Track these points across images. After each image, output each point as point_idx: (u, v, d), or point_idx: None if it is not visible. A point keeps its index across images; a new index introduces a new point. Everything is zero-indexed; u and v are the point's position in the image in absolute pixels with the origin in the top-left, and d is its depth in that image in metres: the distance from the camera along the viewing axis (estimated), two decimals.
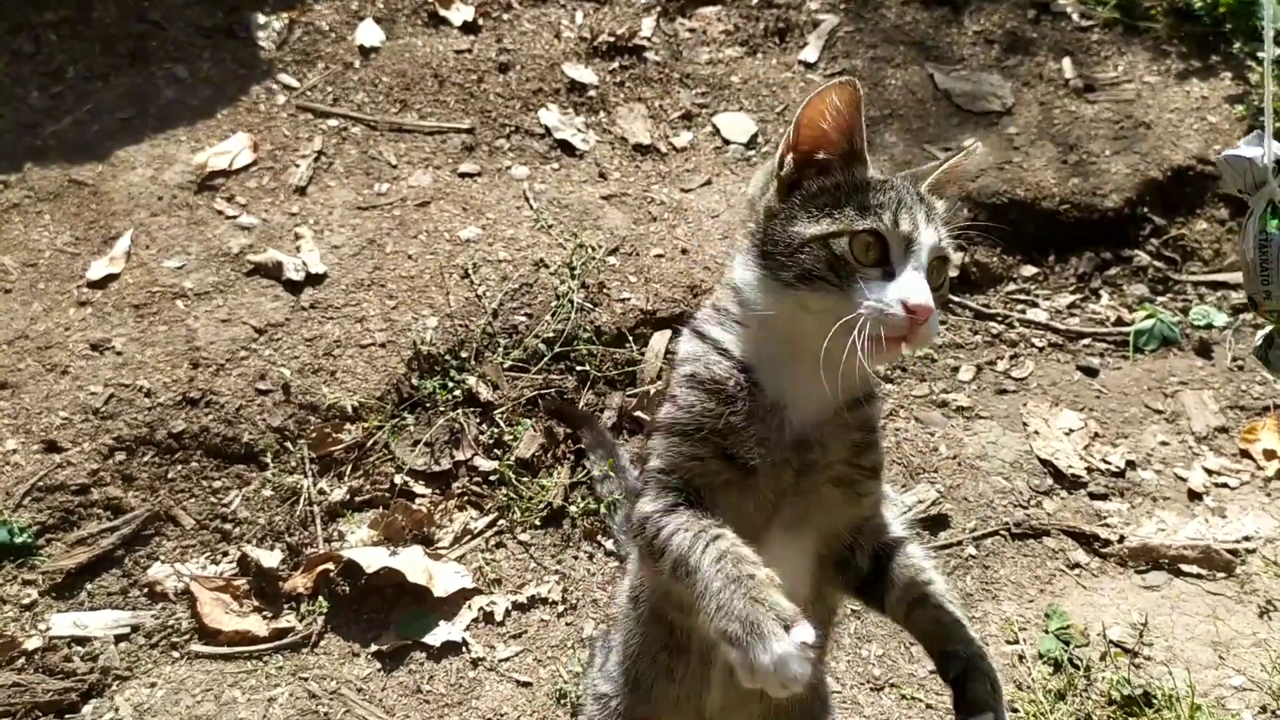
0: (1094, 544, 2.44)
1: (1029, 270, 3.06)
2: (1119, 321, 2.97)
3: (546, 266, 2.75)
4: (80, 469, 2.33)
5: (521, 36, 3.35)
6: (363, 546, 2.30)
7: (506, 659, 2.18)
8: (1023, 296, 3.01)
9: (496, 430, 2.49)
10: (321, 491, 2.39)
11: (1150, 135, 3.20)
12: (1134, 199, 3.10)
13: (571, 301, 2.67)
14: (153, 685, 2.11)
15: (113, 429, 2.38)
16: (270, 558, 2.26)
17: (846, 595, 1.46)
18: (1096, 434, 2.68)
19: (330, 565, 2.25)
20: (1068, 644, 2.21)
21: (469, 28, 3.34)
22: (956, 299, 2.95)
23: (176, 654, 2.17)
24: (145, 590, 2.24)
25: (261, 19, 3.27)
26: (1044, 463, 2.59)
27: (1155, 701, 2.08)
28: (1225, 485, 2.57)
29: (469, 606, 2.25)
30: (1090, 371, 2.84)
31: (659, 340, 2.70)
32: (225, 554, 2.31)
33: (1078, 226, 3.08)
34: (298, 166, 2.93)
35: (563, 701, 2.10)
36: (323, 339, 2.57)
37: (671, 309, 2.74)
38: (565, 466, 2.47)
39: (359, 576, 2.23)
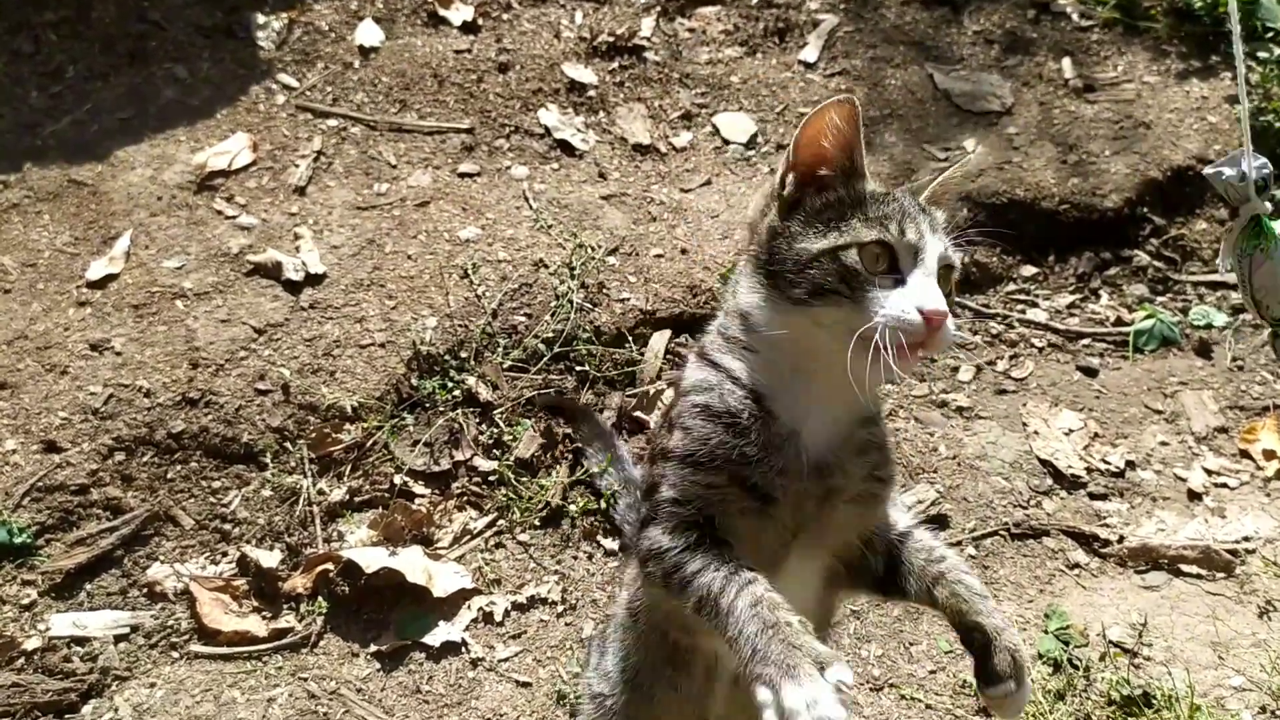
0: (1093, 544, 2.44)
1: (1029, 270, 3.06)
2: (1119, 321, 2.97)
3: (546, 266, 2.75)
4: (80, 469, 2.33)
5: (521, 36, 3.35)
6: (362, 547, 2.30)
7: (506, 659, 2.18)
8: (1022, 296, 3.01)
9: (496, 430, 2.49)
10: (321, 492, 2.39)
11: (1150, 135, 3.20)
12: (1134, 199, 3.10)
13: (571, 302, 2.67)
14: (152, 685, 2.11)
15: (112, 429, 2.38)
16: (270, 558, 2.26)
17: (864, 593, 1.49)
18: (1096, 434, 2.68)
19: (330, 565, 2.25)
20: (1067, 644, 2.21)
21: (468, 28, 3.34)
22: (956, 299, 2.95)
23: (176, 654, 2.17)
24: (145, 590, 2.24)
25: (261, 19, 3.27)
26: (1043, 463, 2.59)
27: (1155, 702, 2.08)
28: (1225, 485, 2.57)
29: (468, 607, 2.25)
30: (1090, 371, 2.84)
31: (658, 340, 2.70)
32: (225, 554, 2.31)
33: (1077, 226, 3.08)
34: (297, 166, 2.93)
35: (562, 702, 2.10)
36: (322, 339, 2.57)
37: (671, 309, 2.74)
38: (564, 466, 2.47)
39: (358, 577, 2.23)
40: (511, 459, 2.44)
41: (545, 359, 2.60)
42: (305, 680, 2.12)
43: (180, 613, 2.21)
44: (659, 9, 3.48)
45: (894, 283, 1.23)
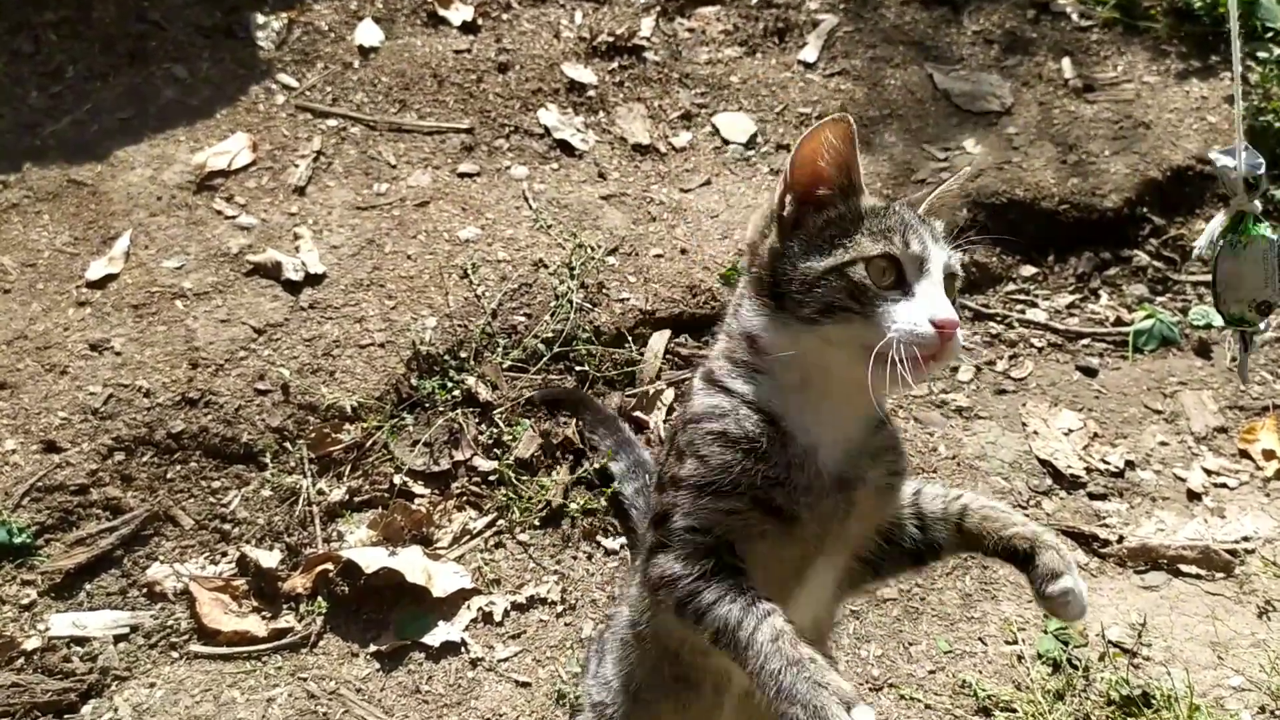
0: (1093, 544, 2.44)
1: (1028, 270, 3.06)
2: (1118, 321, 2.97)
3: (546, 266, 2.75)
4: (79, 469, 2.33)
5: (521, 36, 3.35)
6: (362, 547, 2.30)
7: (505, 659, 2.18)
8: (1022, 297, 3.01)
9: (496, 430, 2.49)
10: (320, 491, 2.39)
11: (1150, 135, 3.20)
12: (1133, 199, 3.10)
13: (570, 302, 2.67)
14: (152, 685, 2.11)
15: (112, 429, 2.38)
16: (269, 558, 2.27)
17: (898, 575, 1.49)
18: (1095, 434, 2.68)
19: (329, 565, 2.25)
20: (1066, 644, 2.21)
21: (468, 28, 3.34)
22: (957, 301, 2.95)
23: (175, 654, 2.17)
24: (144, 590, 2.24)
25: (261, 19, 3.27)
26: (1043, 463, 2.59)
27: (1154, 702, 2.08)
28: (1224, 485, 2.57)
29: (468, 607, 2.25)
30: (1089, 371, 2.84)
31: (658, 340, 2.70)
32: (224, 554, 2.31)
33: (1077, 226, 3.08)
34: (297, 166, 2.93)
35: (561, 702, 2.10)
36: (322, 339, 2.57)
37: (671, 309, 2.75)
38: (565, 466, 2.47)
39: (358, 577, 2.23)
40: (511, 459, 2.44)
41: (545, 359, 2.60)
42: (305, 680, 2.12)
43: (180, 613, 2.21)
44: (659, 9, 3.48)
45: (902, 295, 1.24)
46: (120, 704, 2.07)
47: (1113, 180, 3.11)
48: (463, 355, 2.58)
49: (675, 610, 1.29)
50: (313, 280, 2.67)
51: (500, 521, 2.40)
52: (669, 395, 2.63)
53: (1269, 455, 2.62)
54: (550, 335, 2.62)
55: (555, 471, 2.46)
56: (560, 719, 2.09)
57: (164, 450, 2.40)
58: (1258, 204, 1.13)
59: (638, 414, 2.56)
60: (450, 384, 2.54)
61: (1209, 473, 2.60)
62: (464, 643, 2.20)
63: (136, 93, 3.06)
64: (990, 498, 1.41)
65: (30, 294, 2.61)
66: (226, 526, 2.35)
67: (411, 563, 2.24)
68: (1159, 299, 3.02)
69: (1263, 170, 1.15)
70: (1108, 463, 2.60)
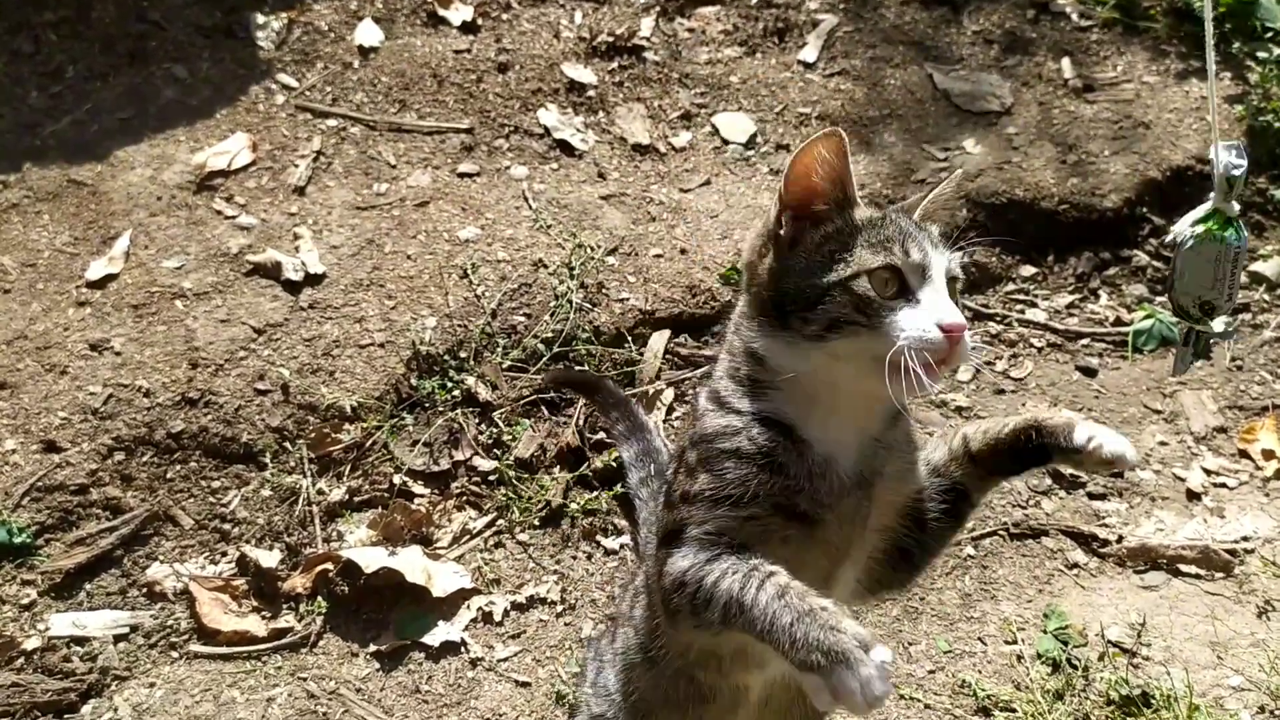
0: (1092, 544, 2.44)
1: (1028, 270, 3.06)
2: (1118, 321, 2.97)
3: (545, 266, 2.75)
4: (79, 469, 2.33)
5: (520, 36, 3.35)
6: (361, 546, 2.30)
7: (505, 659, 2.18)
8: (1021, 296, 3.01)
9: (495, 430, 2.49)
10: (320, 491, 2.39)
11: (1149, 135, 3.20)
12: (1133, 199, 3.10)
13: (570, 301, 2.67)
14: (151, 685, 2.11)
15: (112, 429, 2.38)
16: (269, 558, 2.27)
17: (947, 536, 1.44)
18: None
19: (329, 565, 2.25)
20: (1066, 644, 2.21)
21: (468, 27, 3.34)
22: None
23: (175, 654, 2.17)
24: (144, 590, 2.25)
25: (260, 19, 3.27)
26: None
27: (1153, 701, 2.08)
28: (1224, 485, 2.57)
29: (468, 606, 2.26)
30: (1089, 371, 2.84)
31: (658, 340, 2.70)
32: (224, 554, 2.32)
33: (1077, 226, 3.08)
34: (297, 166, 2.93)
35: (561, 702, 2.10)
36: (321, 339, 2.57)
37: (670, 309, 2.75)
38: (564, 466, 2.47)
39: (358, 576, 2.23)
40: (511, 459, 2.44)
41: (545, 359, 2.60)
42: (305, 680, 2.13)
43: (180, 612, 2.22)
44: (658, 9, 3.48)
45: (906, 304, 1.24)
46: (120, 704, 2.07)
47: (1112, 180, 3.11)
48: (463, 355, 2.58)
49: (690, 610, 1.26)
50: (312, 280, 2.67)
51: (500, 521, 2.40)
52: (669, 395, 2.63)
53: (1268, 455, 2.62)
54: (550, 335, 2.62)
55: (555, 471, 2.46)
56: (560, 719, 2.09)
57: (164, 450, 2.40)
58: (1235, 205, 1.13)
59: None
60: (450, 384, 2.54)
61: (1208, 472, 2.60)
62: (464, 642, 2.20)
63: (136, 93, 3.06)
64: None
65: (30, 294, 2.61)
66: (226, 526, 2.35)
67: (411, 562, 2.25)
68: (1158, 299, 3.02)
69: (1239, 172, 1.15)
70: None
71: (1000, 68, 3.41)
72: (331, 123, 3.07)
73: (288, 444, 2.44)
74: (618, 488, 2.43)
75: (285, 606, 2.24)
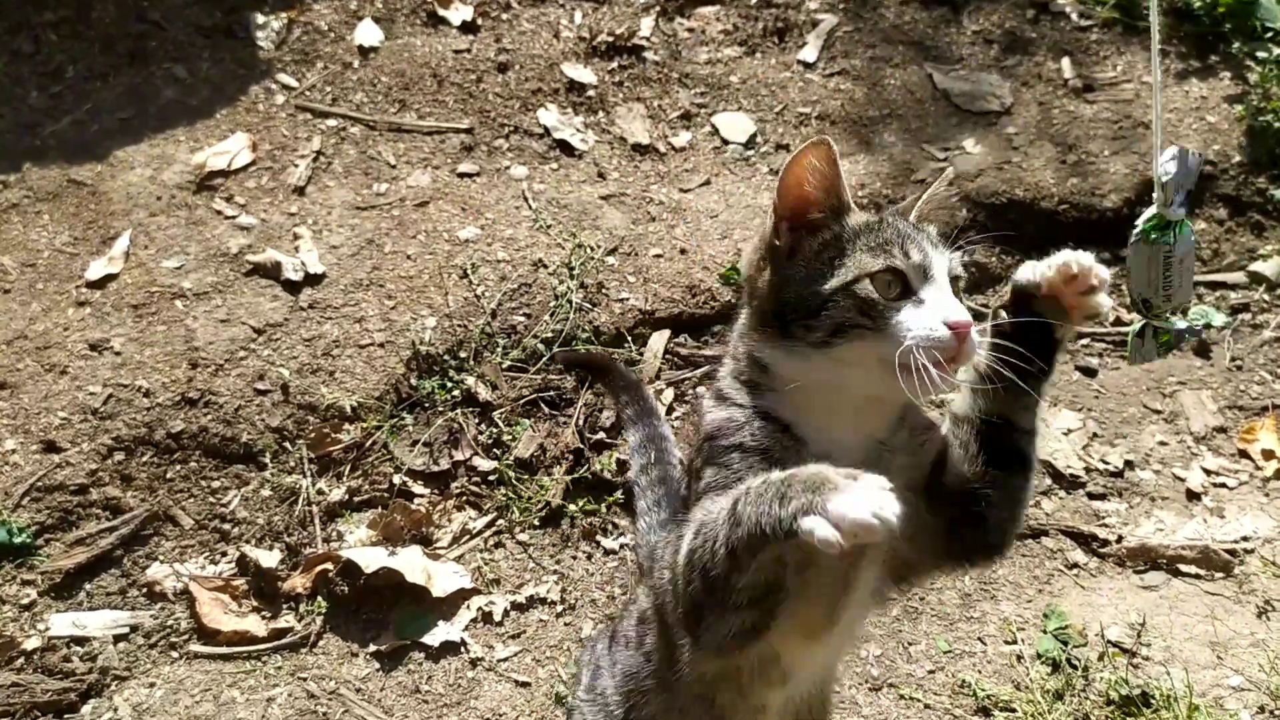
0: (1092, 544, 2.44)
1: None
2: (1118, 321, 2.97)
3: (545, 266, 2.75)
4: (79, 469, 2.33)
5: (520, 36, 3.35)
6: (361, 546, 2.30)
7: (505, 659, 2.18)
8: None
9: (495, 430, 2.49)
10: (320, 491, 2.39)
11: (1149, 135, 3.20)
12: (1133, 199, 3.10)
13: (570, 301, 2.67)
14: (151, 685, 2.11)
15: (111, 429, 2.38)
16: (269, 558, 2.27)
17: (1013, 482, 1.33)
18: (1095, 434, 2.68)
19: (329, 565, 2.25)
20: (1066, 644, 2.21)
21: (468, 27, 3.34)
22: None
23: (175, 654, 2.17)
24: (144, 590, 2.25)
25: (260, 19, 3.27)
26: (1042, 462, 2.58)
27: (1153, 701, 2.08)
28: (1223, 485, 2.57)
29: (468, 606, 2.26)
30: (1089, 371, 2.84)
31: (657, 340, 2.70)
32: (224, 554, 2.32)
33: (1076, 226, 3.08)
34: (296, 166, 2.93)
35: (561, 702, 2.10)
36: (321, 339, 2.57)
37: (670, 309, 2.75)
38: (564, 466, 2.47)
39: (358, 576, 2.23)
40: (511, 459, 2.44)
41: (544, 359, 2.60)
42: (304, 680, 2.13)
43: (180, 612, 2.22)
44: (658, 9, 3.48)
45: (910, 304, 1.23)
46: (120, 704, 2.07)
47: (1112, 180, 3.11)
48: (462, 355, 2.58)
49: (707, 590, 1.18)
50: (312, 280, 2.67)
51: (500, 521, 2.40)
52: (669, 395, 2.63)
53: (1268, 455, 2.62)
54: (550, 335, 2.62)
55: (555, 471, 2.46)
56: (560, 719, 2.09)
57: (164, 450, 2.40)
58: (1179, 210, 1.13)
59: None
60: (450, 384, 2.54)
61: (1208, 472, 2.60)
62: (464, 642, 2.20)
63: (136, 93, 3.06)
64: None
65: (30, 294, 2.61)
66: (226, 526, 2.35)
67: (411, 562, 2.25)
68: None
69: (1167, 178, 1.14)
70: (1107, 462, 2.60)
71: (1000, 68, 3.41)
72: (331, 123, 3.07)
73: (288, 444, 2.44)
74: (617, 494, 2.43)
75: (285, 606, 2.24)
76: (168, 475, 2.38)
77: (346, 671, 2.15)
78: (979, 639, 2.25)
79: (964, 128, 3.23)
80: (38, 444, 2.35)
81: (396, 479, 2.41)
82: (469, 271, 2.72)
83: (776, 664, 1.38)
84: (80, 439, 2.37)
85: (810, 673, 1.49)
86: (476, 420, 2.51)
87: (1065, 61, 3.42)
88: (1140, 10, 3.53)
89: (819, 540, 1.01)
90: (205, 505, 2.37)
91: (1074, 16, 3.57)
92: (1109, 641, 2.23)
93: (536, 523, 2.40)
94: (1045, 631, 2.24)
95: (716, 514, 1.17)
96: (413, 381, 2.54)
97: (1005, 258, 3.06)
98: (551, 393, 2.57)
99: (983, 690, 2.13)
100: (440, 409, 2.50)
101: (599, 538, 2.39)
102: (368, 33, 3.27)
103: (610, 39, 3.34)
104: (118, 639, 2.16)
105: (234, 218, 2.81)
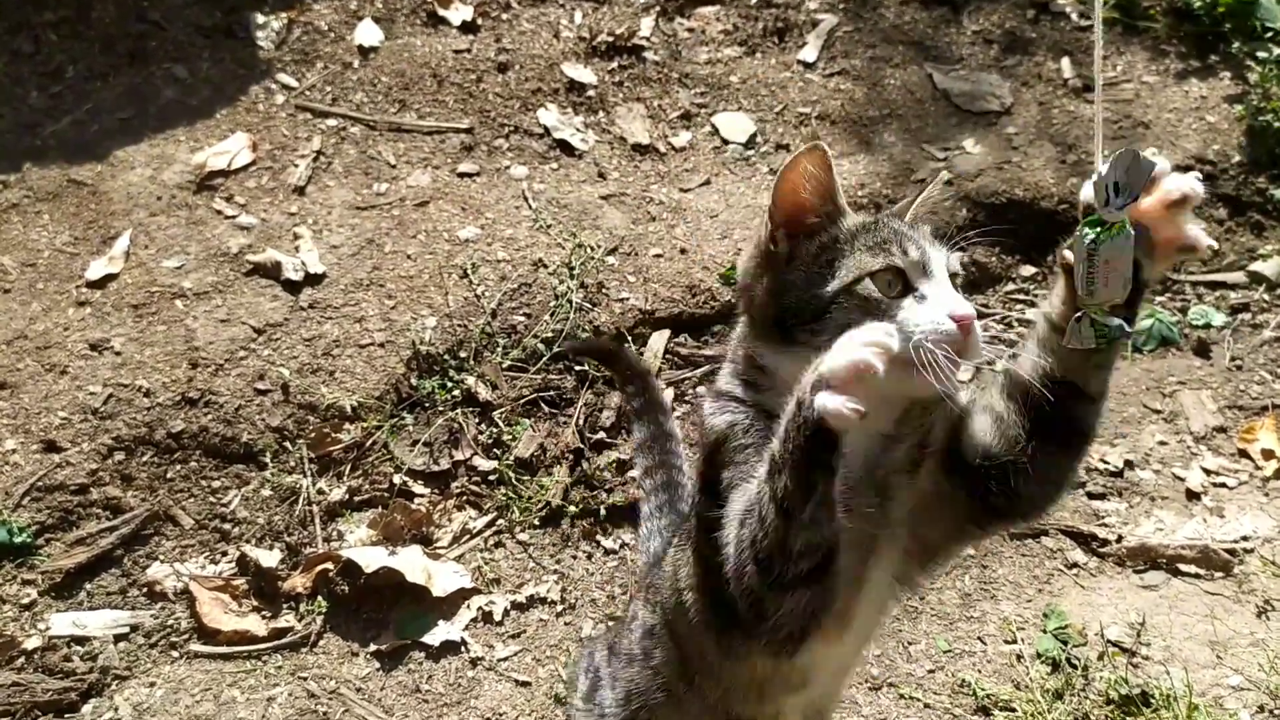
0: (1092, 543, 2.44)
1: (1028, 270, 3.06)
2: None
3: (545, 266, 2.75)
4: (79, 469, 2.33)
5: (520, 36, 3.35)
6: (362, 546, 2.30)
7: (505, 658, 2.18)
8: (1021, 296, 3.01)
9: (495, 430, 2.49)
10: (320, 491, 2.39)
11: (1149, 135, 3.20)
12: None
13: (570, 301, 2.67)
14: (152, 685, 2.11)
15: (112, 429, 2.39)
16: (269, 557, 2.27)
17: (1065, 454, 1.25)
18: None
19: (329, 565, 2.25)
20: (1066, 643, 2.21)
21: (468, 27, 3.34)
22: None
23: (176, 653, 2.17)
24: (144, 590, 2.25)
25: (260, 19, 3.27)
26: None
27: (1153, 701, 2.08)
28: (1223, 485, 2.57)
29: (468, 606, 2.26)
30: None
31: (657, 340, 2.70)
32: (224, 554, 2.32)
33: (1076, 226, 3.08)
34: (296, 166, 2.93)
35: (561, 702, 2.10)
36: (321, 339, 2.57)
37: (670, 309, 2.75)
38: (564, 466, 2.47)
39: (358, 576, 2.24)
40: (511, 459, 2.45)
41: (545, 358, 2.60)
42: (305, 679, 2.13)
43: (180, 612, 2.22)
44: (658, 9, 3.48)
45: (913, 300, 1.22)
46: (120, 703, 2.07)
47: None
48: (462, 355, 2.58)
49: (761, 573, 1.13)
50: (312, 280, 2.67)
51: (500, 521, 2.40)
52: (669, 395, 2.63)
53: (1268, 455, 2.62)
54: (550, 335, 2.63)
55: (555, 471, 2.46)
56: (560, 719, 2.09)
57: (164, 450, 2.40)
58: (1120, 214, 1.11)
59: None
60: (450, 384, 2.54)
61: (1208, 472, 2.60)
62: (464, 642, 2.20)
63: (136, 93, 3.06)
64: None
65: (30, 294, 2.61)
66: (226, 526, 2.35)
67: (411, 562, 2.25)
68: (1158, 299, 3.02)
69: (1091, 180, 1.13)
70: (1107, 462, 2.60)
71: (1000, 68, 3.41)
72: (331, 122, 3.07)
73: (288, 444, 2.44)
74: (616, 496, 2.44)
75: (285, 606, 2.24)
76: (168, 475, 2.38)
77: (347, 671, 2.15)
78: (979, 638, 2.25)
79: (964, 128, 3.23)
80: (38, 444, 2.35)
81: (397, 479, 2.41)
82: (469, 271, 2.72)
83: (795, 668, 1.37)
84: (80, 439, 2.37)
85: (828, 676, 1.47)
86: (477, 420, 2.51)
87: (1065, 61, 3.42)
88: (1140, 10, 3.53)
89: (831, 412, 1.00)
90: (205, 505, 2.37)
91: (1074, 16, 3.57)
92: (1109, 641, 2.23)
93: (536, 522, 2.40)
94: (1045, 631, 2.24)
95: (755, 491, 1.14)
96: (413, 381, 2.54)
97: (1005, 257, 3.06)
98: (552, 392, 2.57)
99: (982, 690, 2.13)
100: (440, 409, 2.51)
101: (599, 537, 2.39)
102: (368, 33, 3.27)
103: (610, 39, 3.34)
104: (118, 638, 2.16)
105: (234, 217, 2.81)
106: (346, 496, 2.39)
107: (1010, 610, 2.30)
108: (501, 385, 2.55)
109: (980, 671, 2.19)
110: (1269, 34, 3.37)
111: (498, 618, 2.25)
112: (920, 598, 2.32)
